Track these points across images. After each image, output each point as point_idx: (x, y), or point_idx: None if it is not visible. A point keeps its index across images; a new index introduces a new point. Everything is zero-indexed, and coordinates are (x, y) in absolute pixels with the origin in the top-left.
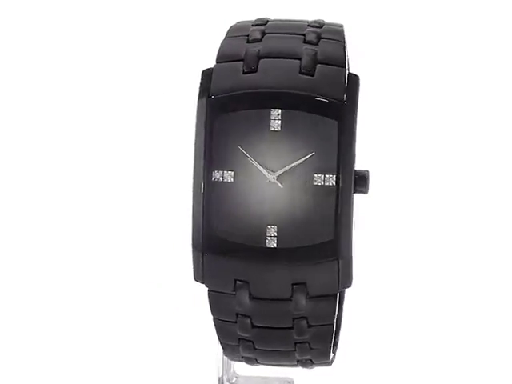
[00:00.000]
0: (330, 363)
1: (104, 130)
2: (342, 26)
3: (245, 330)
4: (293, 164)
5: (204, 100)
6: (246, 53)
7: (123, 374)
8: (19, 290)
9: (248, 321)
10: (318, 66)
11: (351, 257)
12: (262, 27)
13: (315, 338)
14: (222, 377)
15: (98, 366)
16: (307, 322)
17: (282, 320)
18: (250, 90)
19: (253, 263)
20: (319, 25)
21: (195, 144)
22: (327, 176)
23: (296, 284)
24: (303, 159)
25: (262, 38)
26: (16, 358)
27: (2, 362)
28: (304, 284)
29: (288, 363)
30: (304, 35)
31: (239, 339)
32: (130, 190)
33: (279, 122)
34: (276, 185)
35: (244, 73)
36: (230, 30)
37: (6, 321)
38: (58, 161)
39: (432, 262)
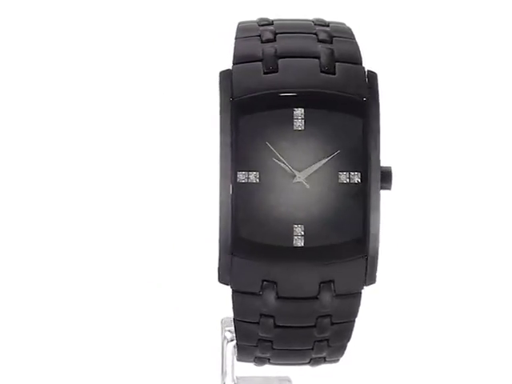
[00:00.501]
0: (337, 360)
1: (106, 130)
2: (344, 24)
3: (267, 331)
4: (318, 163)
5: (227, 101)
6: (263, 53)
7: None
8: (18, 287)
9: (271, 321)
10: (337, 64)
11: (378, 253)
12: (271, 27)
13: (335, 336)
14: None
15: (98, 369)
16: (330, 320)
17: (306, 319)
18: (272, 91)
19: (280, 263)
20: (325, 23)
21: (221, 146)
22: (352, 174)
23: (323, 282)
24: (328, 158)
25: (275, 37)
26: (17, 358)
27: (1, 362)
28: (331, 282)
29: (301, 362)
30: (316, 34)
31: (259, 340)
32: (130, 192)
33: (302, 121)
34: (301, 184)
35: (265, 73)
36: (238, 30)
37: (9, 320)
38: (70, 162)
39: (439, 260)
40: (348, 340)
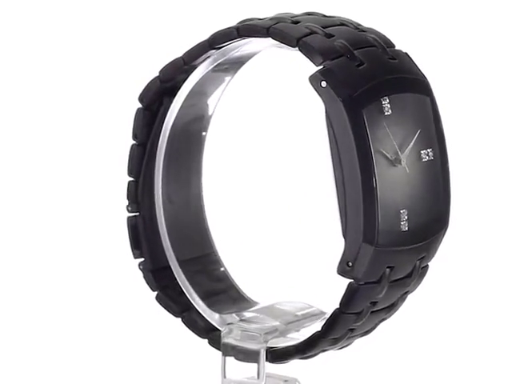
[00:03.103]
0: None
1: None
2: None
3: (362, 318)
4: (409, 146)
5: (348, 98)
6: (341, 47)
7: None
8: None
9: (370, 307)
10: (388, 50)
11: None
12: (308, 23)
13: (393, 311)
14: None
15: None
16: (404, 295)
17: (395, 298)
18: (373, 82)
19: (396, 248)
20: (328, 15)
21: (356, 141)
22: (428, 150)
23: (418, 259)
24: (414, 139)
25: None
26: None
27: None
28: (423, 258)
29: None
30: (346, 25)
31: (348, 330)
32: None
33: (389, 106)
34: (404, 169)
35: (356, 66)
36: (287, 28)
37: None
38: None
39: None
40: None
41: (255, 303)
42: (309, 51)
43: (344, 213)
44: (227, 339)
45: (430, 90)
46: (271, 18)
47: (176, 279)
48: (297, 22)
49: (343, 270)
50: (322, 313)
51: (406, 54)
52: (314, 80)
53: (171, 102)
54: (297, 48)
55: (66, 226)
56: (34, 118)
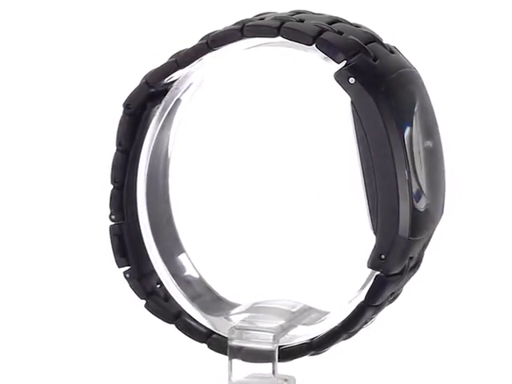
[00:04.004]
0: None
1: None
2: None
3: (380, 310)
4: (421, 134)
5: (381, 92)
6: (356, 44)
7: None
8: None
9: (388, 298)
10: (384, 44)
11: None
12: (313, 21)
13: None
14: None
15: None
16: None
17: (401, 287)
18: (392, 76)
19: (418, 238)
20: (319, 12)
21: (389, 135)
22: (430, 141)
23: (422, 249)
24: (422, 128)
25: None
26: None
27: None
28: (424, 247)
29: None
30: (341, 21)
31: (364, 322)
32: None
33: (407, 98)
34: (418, 159)
35: (373, 61)
36: (290, 30)
37: None
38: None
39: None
40: None
41: (237, 304)
42: (329, 49)
43: (375, 208)
44: (234, 342)
45: (423, 81)
46: (273, 18)
47: (161, 284)
48: (301, 21)
49: (376, 263)
50: (311, 308)
51: (395, 47)
52: (341, 77)
53: (154, 107)
54: (313, 46)
55: (45, 235)
56: (18, 122)
